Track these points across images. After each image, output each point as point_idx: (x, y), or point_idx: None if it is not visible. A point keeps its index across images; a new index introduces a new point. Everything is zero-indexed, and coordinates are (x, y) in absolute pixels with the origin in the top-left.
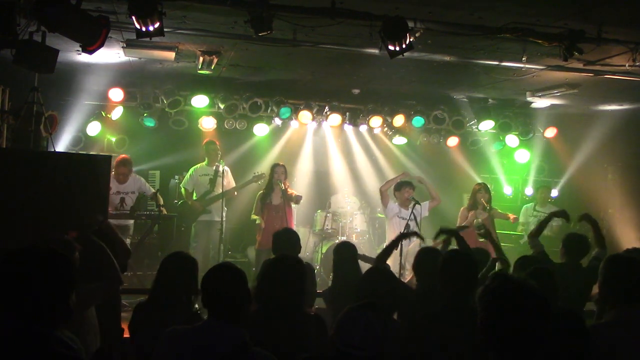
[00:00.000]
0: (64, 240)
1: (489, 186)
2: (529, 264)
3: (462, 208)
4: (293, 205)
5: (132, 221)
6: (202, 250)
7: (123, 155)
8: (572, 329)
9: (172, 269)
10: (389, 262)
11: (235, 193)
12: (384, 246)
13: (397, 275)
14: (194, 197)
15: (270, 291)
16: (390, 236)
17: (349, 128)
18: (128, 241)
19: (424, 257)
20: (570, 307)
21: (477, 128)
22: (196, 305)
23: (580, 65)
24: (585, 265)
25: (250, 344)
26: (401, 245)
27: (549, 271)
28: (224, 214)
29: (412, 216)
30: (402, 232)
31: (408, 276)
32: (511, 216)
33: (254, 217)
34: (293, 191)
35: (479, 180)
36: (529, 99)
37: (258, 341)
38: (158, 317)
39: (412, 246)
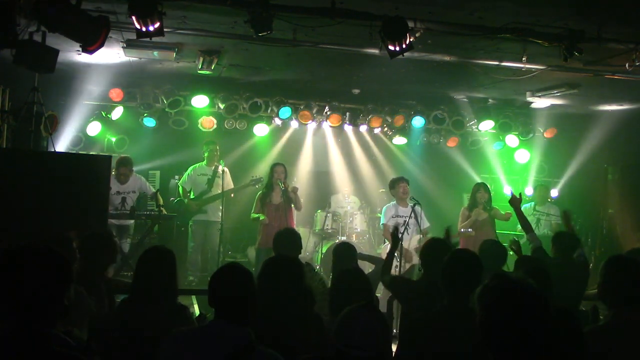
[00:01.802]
0: (60, 236)
1: (488, 186)
2: (529, 264)
3: (462, 208)
4: (294, 208)
5: (132, 221)
6: (200, 250)
7: (123, 155)
8: (566, 327)
9: (150, 263)
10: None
11: (232, 195)
12: (385, 251)
13: (396, 270)
14: (192, 196)
15: (267, 290)
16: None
17: (349, 128)
18: (128, 241)
19: (431, 248)
20: (565, 305)
21: (477, 128)
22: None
23: (580, 65)
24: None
25: (256, 344)
26: (401, 243)
27: (545, 270)
28: (222, 215)
29: (412, 214)
30: (400, 231)
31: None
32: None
33: (254, 216)
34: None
35: (479, 180)
36: (529, 99)
37: (257, 339)
38: (141, 312)
39: (412, 241)
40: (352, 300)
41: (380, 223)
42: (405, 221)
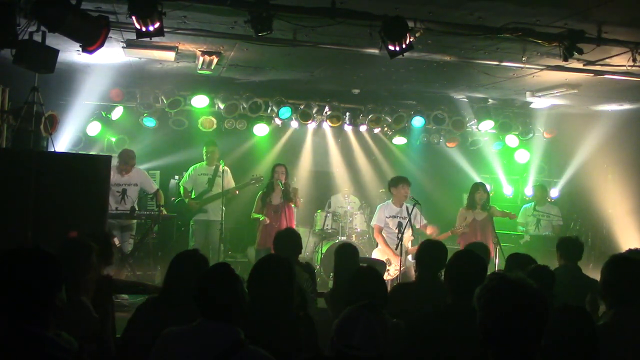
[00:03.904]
0: (80, 241)
1: (486, 186)
2: (521, 261)
3: (461, 208)
4: (293, 207)
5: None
6: (200, 250)
7: (127, 149)
8: (580, 325)
9: (186, 267)
10: (382, 257)
11: (237, 192)
12: (377, 253)
13: (396, 269)
14: (192, 196)
15: (256, 291)
16: (383, 240)
17: (349, 128)
18: (131, 241)
19: (427, 249)
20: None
21: (477, 128)
22: None
23: (580, 65)
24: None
25: (245, 342)
26: (401, 243)
27: (550, 270)
28: (223, 214)
29: (406, 213)
30: (396, 233)
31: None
32: (511, 214)
33: (254, 215)
34: (293, 188)
35: (479, 180)
36: (529, 99)
37: (247, 339)
38: (164, 315)
39: (404, 239)
40: (367, 299)
41: (371, 223)
42: (400, 222)
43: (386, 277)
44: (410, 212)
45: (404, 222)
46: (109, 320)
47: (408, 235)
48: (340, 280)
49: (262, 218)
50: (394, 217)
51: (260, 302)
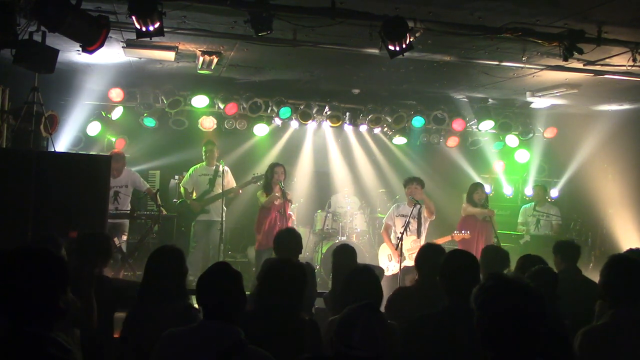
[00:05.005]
0: (51, 237)
1: (485, 186)
2: (530, 264)
3: (464, 204)
4: (292, 205)
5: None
6: (202, 250)
7: (115, 150)
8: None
9: (159, 263)
10: (384, 258)
11: (240, 191)
12: (383, 251)
13: (394, 269)
14: (193, 197)
15: (268, 294)
16: (387, 236)
17: (349, 128)
18: (124, 238)
19: (426, 253)
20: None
21: (477, 128)
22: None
23: (580, 65)
24: None
25: (246, 342)
26: (401, 243)
27: (552, 272)
28: (224, 214)
29: (415, 213)
30: (401, 230)
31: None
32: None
33: (262, 200)
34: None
35: (479, 180)
36: (529, 99)
37: (252, 341)
38: (150, 312)
39: (406, 242)
40: (362, 299)
41: (384, 220)
42: (407, 220)
43: (386, 272)
44: (411, 211)
45: (413, 221)
46: (111, 322)
47: (422, 238)
48: (338, 281)
49: (271, 195)
50: (404, 216)
51: (270, 307)
